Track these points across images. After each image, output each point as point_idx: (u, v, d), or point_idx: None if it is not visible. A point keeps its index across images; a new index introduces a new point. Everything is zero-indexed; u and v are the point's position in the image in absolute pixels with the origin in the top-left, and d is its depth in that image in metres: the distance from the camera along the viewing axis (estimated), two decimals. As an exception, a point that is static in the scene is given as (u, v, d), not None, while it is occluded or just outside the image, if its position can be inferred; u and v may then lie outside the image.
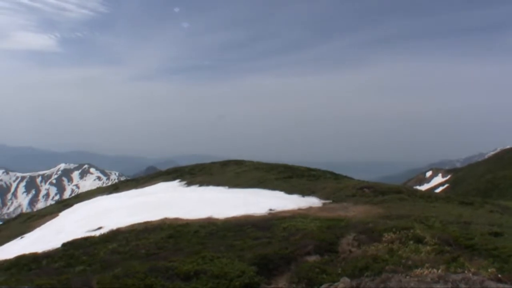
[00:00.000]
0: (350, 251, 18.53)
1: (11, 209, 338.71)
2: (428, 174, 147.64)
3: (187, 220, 28.93)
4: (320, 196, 37.52)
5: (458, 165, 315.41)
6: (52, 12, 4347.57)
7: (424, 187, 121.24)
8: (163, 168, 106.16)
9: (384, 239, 18.71)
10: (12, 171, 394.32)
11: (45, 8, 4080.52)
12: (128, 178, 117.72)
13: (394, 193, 36.24)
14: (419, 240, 18.18)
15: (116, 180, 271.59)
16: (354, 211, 30.03)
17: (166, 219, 29.82)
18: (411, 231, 19.18)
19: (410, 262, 15.54)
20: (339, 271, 15.57)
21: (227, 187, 48.06)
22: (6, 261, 24.19)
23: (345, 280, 10.91)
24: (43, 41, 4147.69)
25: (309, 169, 55.42)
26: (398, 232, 19.09)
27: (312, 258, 17.85)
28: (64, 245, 25.69)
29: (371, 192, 37.42)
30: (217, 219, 28.69)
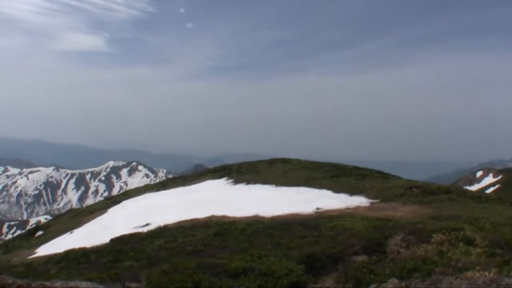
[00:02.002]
0: (398, 252, 18.30)
1: (61, 205, 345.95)
2: (479, 174, 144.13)
3: (234, 217, 29.11)
4: (368, 196, 37.11)
5: (510, 165, 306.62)
6: (100, 13, 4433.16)
7: (474, 188, 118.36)
8: (211, 166, 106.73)
9: (433, 240, 18.41)
10: (62, 168, 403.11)
11: (93, 9, 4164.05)
12: (176, 176, 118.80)
13: (444, 193, 35.55)
14: (469, 242, 17.80)
15: (164, 178, 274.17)
16: (402, 211, 29.61)
17: (213, 216, 30.06)
18: (461, 232, 18.80)
19: (460, 264, 15.24)
20: (387, 272, 15.40)
21: (274, 185, 47.94)
22: (56, 255, 24.93)
23: (394, 281, 10.80)
24: (92, 41, 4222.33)
25: (357, 168, 54.86)
26: (447, 234, 18.74)
27: (359, 258, 17.72)
28: (112, 240, 26.22)
29: (419, 192, 36.81)
30: (263, 217, 28.76)
